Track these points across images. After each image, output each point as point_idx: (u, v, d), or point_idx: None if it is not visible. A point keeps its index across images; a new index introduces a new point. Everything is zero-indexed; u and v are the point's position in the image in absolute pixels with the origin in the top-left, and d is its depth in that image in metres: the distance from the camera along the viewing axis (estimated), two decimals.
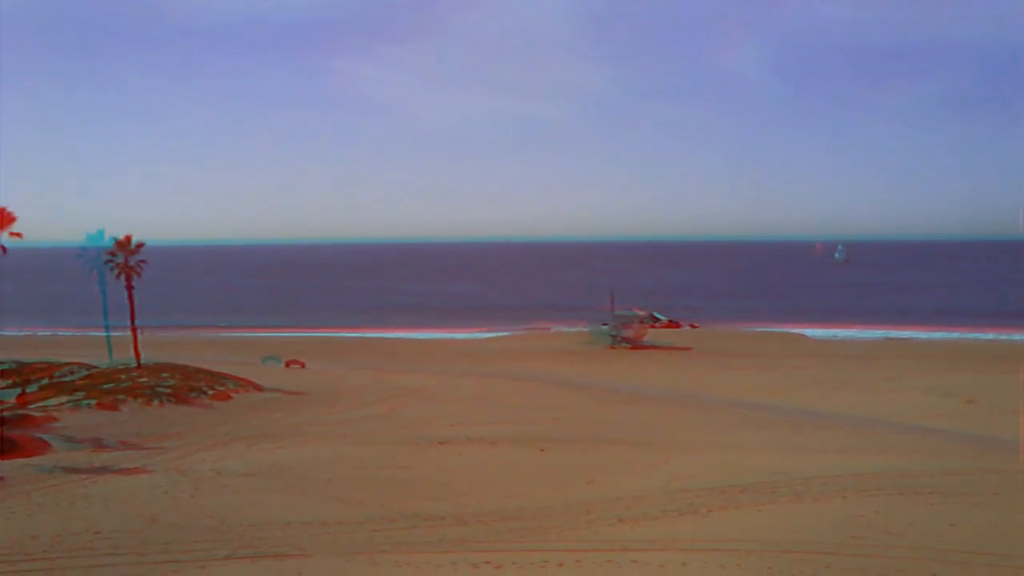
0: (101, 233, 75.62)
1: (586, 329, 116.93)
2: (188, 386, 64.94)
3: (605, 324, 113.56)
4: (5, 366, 69.39)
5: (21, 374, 67.10)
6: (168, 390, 62.95)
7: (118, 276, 73.99)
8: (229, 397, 64.81)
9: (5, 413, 52.29)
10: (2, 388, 62.87)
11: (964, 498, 35.07)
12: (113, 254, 73.76)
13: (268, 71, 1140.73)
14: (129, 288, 74.17)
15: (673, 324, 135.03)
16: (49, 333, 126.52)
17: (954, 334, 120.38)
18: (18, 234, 62.46)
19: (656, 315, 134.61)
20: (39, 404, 57.82)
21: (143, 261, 74.66)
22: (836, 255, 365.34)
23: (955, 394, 66.34)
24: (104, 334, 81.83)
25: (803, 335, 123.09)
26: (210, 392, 64.79)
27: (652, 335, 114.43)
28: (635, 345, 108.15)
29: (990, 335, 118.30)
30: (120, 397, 60.21)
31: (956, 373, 78.80)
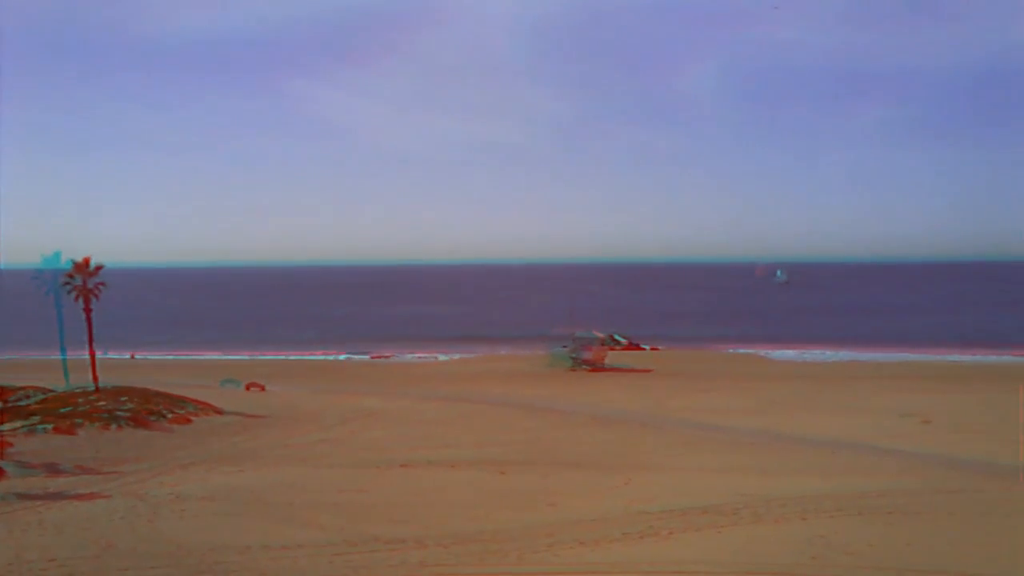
0: (58, 255, 74.93)
1: (545, 351, 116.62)
2: (147, 410, 64.30)
3: (564, 346, 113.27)
4: None
5: None
6: (127, 414, 62.28)
7: (76, 299, 73.36)
8: (189, 420, 64.22)
9: None
10: None
11: (921, 517, 35.49)
12: (71, 276, 73.13)
13: (224, 93, 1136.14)
14: (87, 311, 73.51)
15: (633, 346, 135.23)
16: (3, 357, 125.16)
17: (911, 355, 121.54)
18: None
19: (616, 337, 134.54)
20: None
21: (102, 284, 74.03)
22: (777, 276, 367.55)
23: (912, 414, 67.08)
24: (60, 357, 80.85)
25: (763, 356, 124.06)
26: (169, 415, 64.16)
27: (612, 357, 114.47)
28: (595, 367, 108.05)
29: (947, 356, 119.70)
30: (77, 421, 59.51)
31: (913, 394, 79.65)
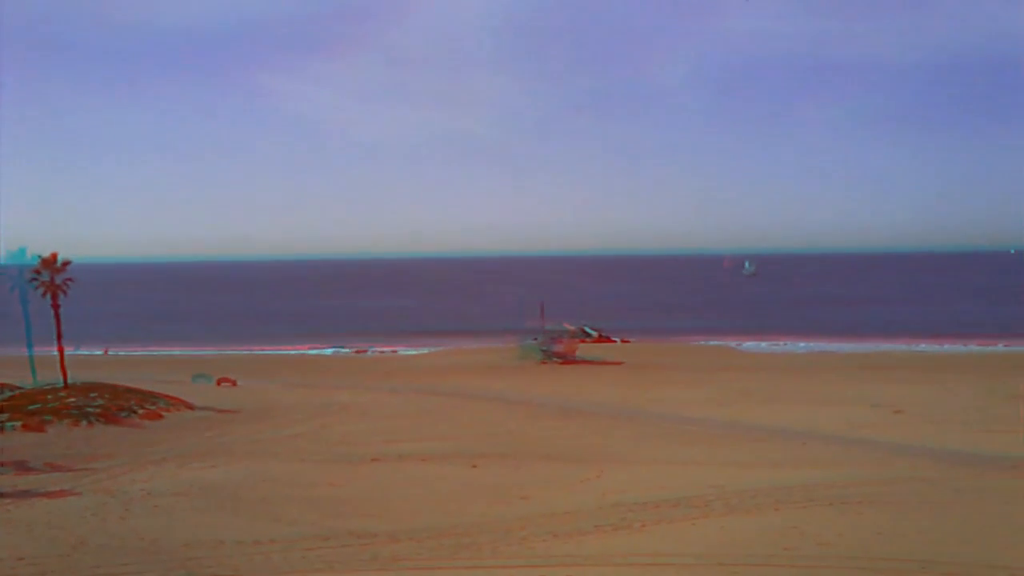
0: (23, 251, 73.98)
1: (517, 344, 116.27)
2: (117, 406, 63.91)
3: (535, 339, 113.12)
4: None
5: None
6: (97, 410, 61.88)
7: (44, 295, 72.52)
8: (160, 416, 63.91)
9: None
10: None
11: (891, 507, 35.76)
12: (38, 272, 72.30)
13: (193, 87, 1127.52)
14: (55, 307, 72.71)
15: (604, 339, 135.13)
16: None
17: (882, 346, 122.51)
18: None
19: (587, 329, 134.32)
20: None
21: (70, 279, 73.23)
22: (745, 268, 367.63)
23: (884, 405, 67.55)
24: (28, 354, 79.94)
25: (733, 348, 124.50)
26: (140, 411, 63.84)
27: (583, 350, 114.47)
28: (566, 360, 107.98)
29: (918, 347, 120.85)
30: (47, 418, 59.09)
31: (884, 384, 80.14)
